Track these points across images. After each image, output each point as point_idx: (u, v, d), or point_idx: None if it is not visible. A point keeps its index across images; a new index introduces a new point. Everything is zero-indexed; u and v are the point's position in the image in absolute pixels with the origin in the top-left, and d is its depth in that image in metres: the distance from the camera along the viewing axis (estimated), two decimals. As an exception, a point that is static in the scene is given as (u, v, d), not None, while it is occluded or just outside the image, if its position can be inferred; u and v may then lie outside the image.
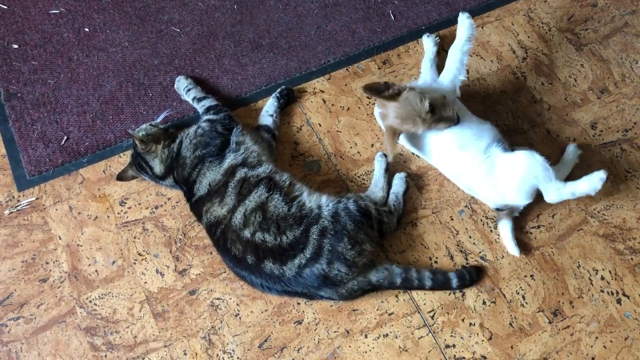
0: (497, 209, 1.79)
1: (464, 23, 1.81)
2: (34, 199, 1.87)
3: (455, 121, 1.70)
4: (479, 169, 1.73)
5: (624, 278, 1.77)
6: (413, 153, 1.94)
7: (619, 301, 1.74)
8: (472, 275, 1.74)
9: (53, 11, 2.20)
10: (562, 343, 1.68)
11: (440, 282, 1.71)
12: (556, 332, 1.69)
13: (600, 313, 1.72)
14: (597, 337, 1.69)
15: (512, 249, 1.77)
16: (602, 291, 1.75)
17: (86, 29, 2.17)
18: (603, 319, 1.71)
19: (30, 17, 2.18)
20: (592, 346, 1.68)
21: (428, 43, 2.09)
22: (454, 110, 1.71)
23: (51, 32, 2.16)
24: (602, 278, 1.77)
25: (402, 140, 1.89)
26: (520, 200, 1.72)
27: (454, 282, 1.72)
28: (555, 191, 1.67)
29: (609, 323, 1.71)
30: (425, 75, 1.99)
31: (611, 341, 1.69)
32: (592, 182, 1.64)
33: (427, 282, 1.69)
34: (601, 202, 1.88)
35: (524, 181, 1.66)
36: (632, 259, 1.80)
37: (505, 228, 1.78)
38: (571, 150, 1.90)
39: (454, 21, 2.21)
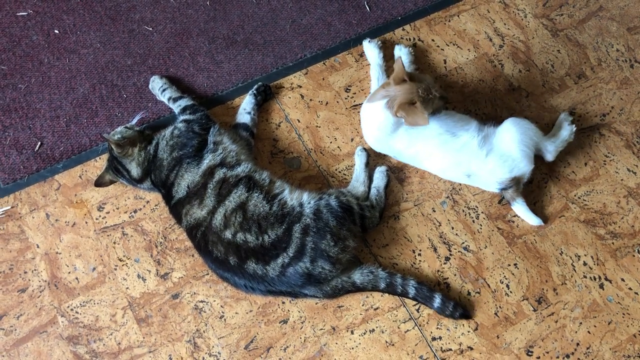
0: (503, 189, 1.77)
1: (566, 127, 1.89)
2: (9, 207, 1.83)
3: (446, 98, 1.78)
4: (478, 150, 1.74)
5: (605, 263, 1.78)
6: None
7: (601, 286, 1.75)
8: (455, 312, 1.67)
9: (21, 13, 2.14)
10: (547, 330, 1.69)
11: (423, 296, 1.67)
12: (541, 319, 1.70)
13: (583, 299, 1.73)
14: (581, 323, 1.70)
15: (534, 221, 1.79)
16: (584, 277, 1.76)
17: (56, 31, 2.12)
18: (586, 305, 1.73)
19: (-3, 20, 2.13)
20: (576, 332, 1.69)
21: (372, 50, 2.03)
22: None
23: (20, 35, 2.11)
24: (585, 264, 1.78)
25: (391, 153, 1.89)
26: (527, 163, 1.75)
27: (437, 302, 1.67)
28: (551, 144, 1.83)
29: (592, 308, 1.72)
30: (376, 85, 1.96)
31: (595, 326, 1.70)
32: (566, 129, 1.87)
33: (411, 291, 1.67)
34: (581, 188, 1.89)
35: (525, 141, 1.75)
36: (613, 243, 1.81)
37: (520, 207, 1.79)
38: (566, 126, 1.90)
39: (430, 11, 2.20)
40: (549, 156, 1.84)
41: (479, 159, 1.75)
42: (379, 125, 1.77)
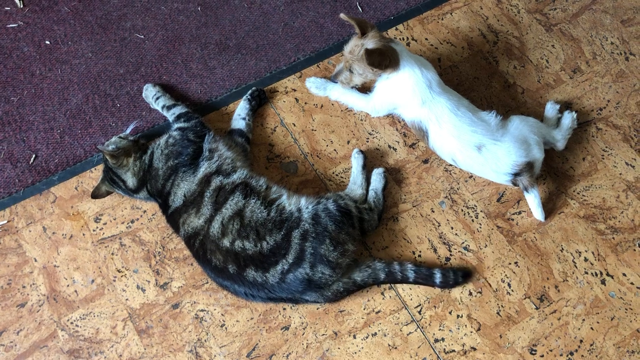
0: (516, 174, 1.73)
1: (565, 115, 1.94)
2: (5, 222, 1.82)
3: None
4: (496, 128, 1.77)
5: (606, 258, 1.77)
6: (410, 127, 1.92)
7: (603, 282, 1.74)
8: (457, 277, 1.71)
9: (11, 25, 2.13)
10: (550, 328, 1.68)
11: (423, 277, 1.69)
12: (543, 317, 1.70)
13: (585, 295, 1.73)
14: (584, 320, 1.69)
15: (540, 216, 1.78)
16: (586, 273, 1.75)
17: (47, 42, 2.10)
18: (589, 301, 1.72)
19: (-12, 33, 2.11)
20: (579, 329, 1.68)
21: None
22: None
23: (10, 47, 2.09)
24: (586, 260, 1.77)
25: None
26: (539, 150, 1.77)
27: (437, 277, 1.69)
28: (558, 133, 1.88)
29: (594, 304, 1.71)
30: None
31: (598, 322, 1.69)
32: (567, 117, 1.91)
33: (410, 275, 1.68)
34: (580, 184, 1.88)
35: (536, 131, 1.79)
36: (613, 238, 1.80)
37: (533, 198, 1.76)
38: (567, 116, 1.93)
39: (422, 9, 2.19)
40: (560, 145, 1.88)
41: (495, 136, 1.75)
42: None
